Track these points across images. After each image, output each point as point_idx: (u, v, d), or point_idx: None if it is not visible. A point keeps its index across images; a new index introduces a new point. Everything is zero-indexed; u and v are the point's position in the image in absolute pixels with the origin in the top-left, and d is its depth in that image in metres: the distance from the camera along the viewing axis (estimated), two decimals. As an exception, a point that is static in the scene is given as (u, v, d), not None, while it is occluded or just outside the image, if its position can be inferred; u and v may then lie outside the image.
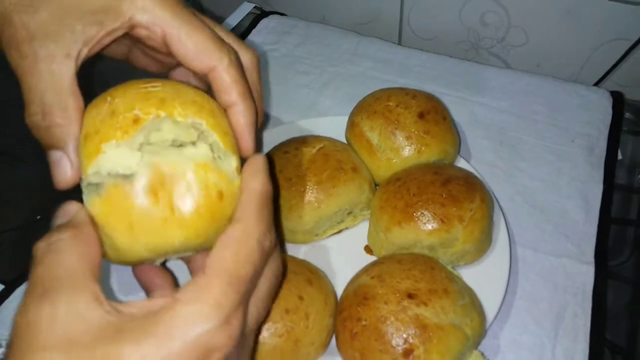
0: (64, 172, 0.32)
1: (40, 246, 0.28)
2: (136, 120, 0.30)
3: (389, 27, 0.83)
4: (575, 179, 0.62)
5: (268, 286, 0.34)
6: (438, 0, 0.77)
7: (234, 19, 0.87)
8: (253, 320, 0.32)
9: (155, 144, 0.31)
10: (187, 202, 0.30)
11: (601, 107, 0.69)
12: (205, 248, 0.32)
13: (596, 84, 0.75)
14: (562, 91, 0.71)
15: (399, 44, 0.84)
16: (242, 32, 0.83)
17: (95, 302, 0.26)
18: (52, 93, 0.31)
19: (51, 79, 0.31)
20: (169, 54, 0.35)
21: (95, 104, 0.32)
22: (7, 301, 0.56)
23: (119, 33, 0.33)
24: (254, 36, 0.82)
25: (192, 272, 0.39)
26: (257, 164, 0.33)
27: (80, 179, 0.32)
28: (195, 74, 0.36)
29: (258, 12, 0.87)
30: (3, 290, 0.57)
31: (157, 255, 0.32)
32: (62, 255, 0.28)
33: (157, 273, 0.38)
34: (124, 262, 0.33)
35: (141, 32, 0.34)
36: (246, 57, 0.38)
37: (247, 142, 0.36)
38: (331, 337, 0.49)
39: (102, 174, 0.30)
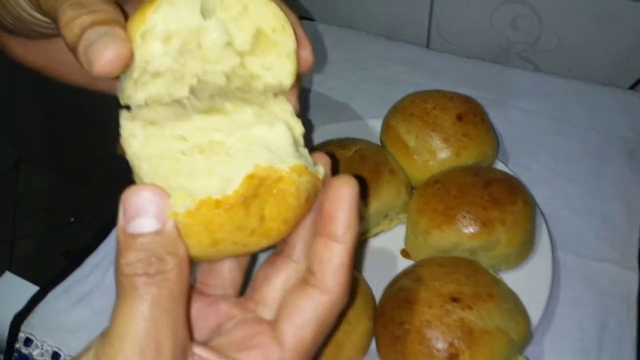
0: (108, 44, 0.26)
1: (139, 272, 0.25)
2: None
3: (416, 32, 0.83)
4: (616, 183, 0.61)
5: None
6: (469, 5, 0.76)
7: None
8: None
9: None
10: (277, 212, 0.27)
11: (639, 111, 0.68)
12: None
13: (631, 87, 0.74)
14: (598, 94, 0.70)
15: (426, 48, 0.84)
16: (271, 37, 0.83)
17: None
18: None
19: None
20: None
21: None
22: (42, 302, 0.56)
23: None
24: (283, 41, 0.82)
25: None
26: (351, 213, 0.28)
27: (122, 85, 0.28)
28: None
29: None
30: (38, 292, 0.57)
31: (230, 258, 0.31)
32: (168, 301, 0.25)
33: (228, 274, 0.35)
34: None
35: None
36: None
37: (307, 44, 0.33)
38: (371, 340, 0.48)
39: (157, 32, 0.27)
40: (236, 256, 0.29)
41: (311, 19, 0.87)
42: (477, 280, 0.46)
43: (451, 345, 0.42)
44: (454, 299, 0.44)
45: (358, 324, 0.46)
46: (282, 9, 0.31)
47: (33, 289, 0.58)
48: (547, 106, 0.70)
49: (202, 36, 0.28)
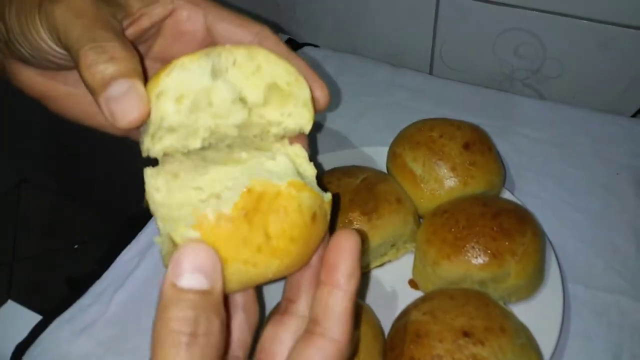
0: (132, 104, 0.28)
1: (186, 330, 0.25)
2: (204, 52, 0.31)
3: (419, 58, 0.84)
4: (623, 212, 0.61)
5: None
6: (471, 33, 0.77)
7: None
8: None
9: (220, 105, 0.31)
10: (282, 229, 0.28)
11: (645, 139, 0.68)
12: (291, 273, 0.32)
13: (634, 115, 0.74)
14: (603, 122, 0.70)
15: (430, 75, 0.84)
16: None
17: None
18: (108, 32, 0.30)
19: (103, 31, 0.30)
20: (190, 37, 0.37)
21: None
22: (44, 332, 0.55)
23: (163, 13, 0.36)
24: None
25: None
26: (353, 263, 0.29)
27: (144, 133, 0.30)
28: None
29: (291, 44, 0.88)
30: (40, 321, 0.56)
31: (246, 288, 0.31)
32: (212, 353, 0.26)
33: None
34: None
35: (181, 14, 0.36)
36: None
37: (321, 85, 0.35)
38: (381, 375, 0.47)
39: (170, 94, 0.29)
40: (250, 282, 0.29)
41: (315, 45, 0.88)
42: (488, 314, 0.45)
43: (463, 381, 0.42)
44: (466, 334, 0.43)
45: (368, 357, 0.45)
46: (292, 64, 0.33)
47: (35, 317, 0.57)
48: (552, 134, 0.70)
49: (212, 94, 0.31)
